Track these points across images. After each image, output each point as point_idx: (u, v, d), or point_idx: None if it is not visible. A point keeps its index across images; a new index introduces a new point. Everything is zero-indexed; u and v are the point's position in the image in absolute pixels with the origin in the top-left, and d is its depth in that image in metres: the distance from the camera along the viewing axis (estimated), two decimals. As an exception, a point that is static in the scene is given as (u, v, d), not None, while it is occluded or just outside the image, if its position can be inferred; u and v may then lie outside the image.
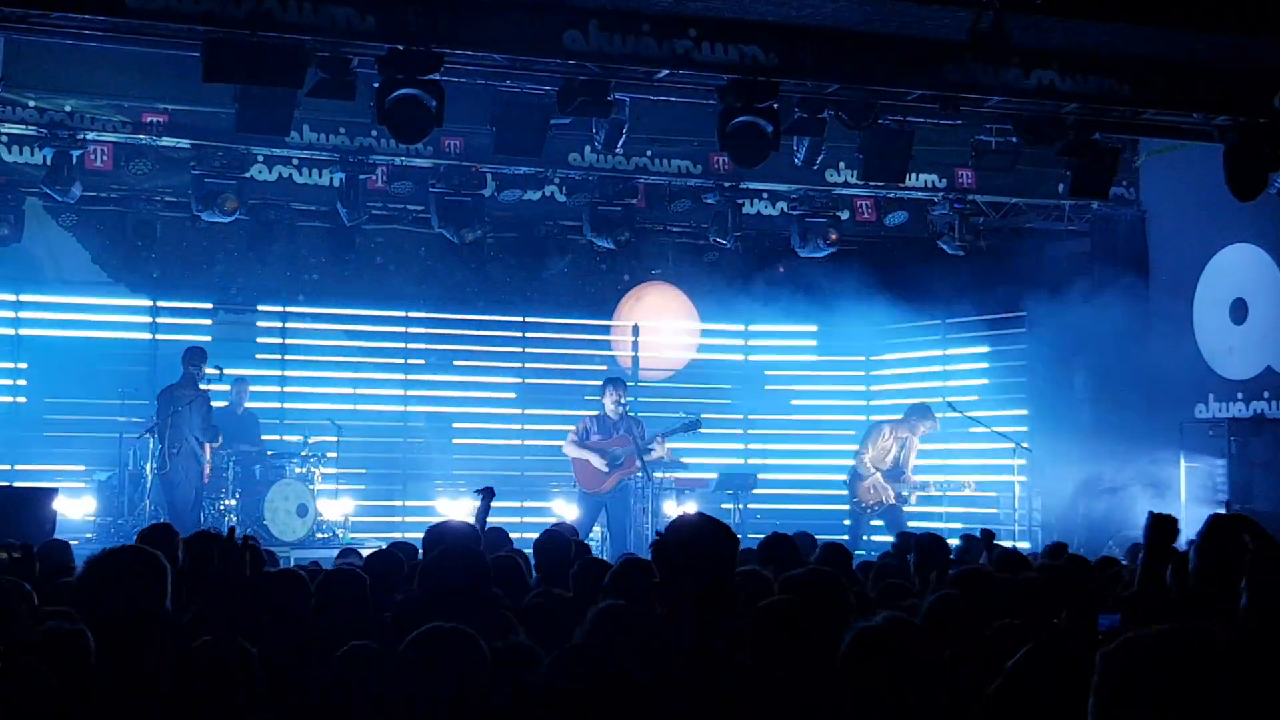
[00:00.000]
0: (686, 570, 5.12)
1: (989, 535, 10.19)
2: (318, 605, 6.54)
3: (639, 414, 17.49)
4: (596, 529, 16.84)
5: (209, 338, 18.99)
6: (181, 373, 17.27)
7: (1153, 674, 3.21)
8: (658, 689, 4.71)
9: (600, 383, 17.59)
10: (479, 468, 19.26)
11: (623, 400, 16.99)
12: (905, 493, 17.88)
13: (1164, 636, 3.30)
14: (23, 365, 18.85)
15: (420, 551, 7.90)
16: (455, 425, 20.60)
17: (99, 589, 5.05)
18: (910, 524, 17.20)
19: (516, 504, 19.17)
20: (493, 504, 10.42)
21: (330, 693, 5.11)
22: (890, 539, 16.87)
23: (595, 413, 17.24)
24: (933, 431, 18.29)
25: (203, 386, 17.24)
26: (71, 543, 10.41)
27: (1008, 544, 12.88)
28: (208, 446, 17.15)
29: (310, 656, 5.64)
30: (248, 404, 18.39)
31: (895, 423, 18.21)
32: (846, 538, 17.52)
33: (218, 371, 17.44)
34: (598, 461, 16.73)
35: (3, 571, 6.96)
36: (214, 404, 17.61)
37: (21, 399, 18.80)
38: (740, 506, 18.35)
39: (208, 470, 17.17)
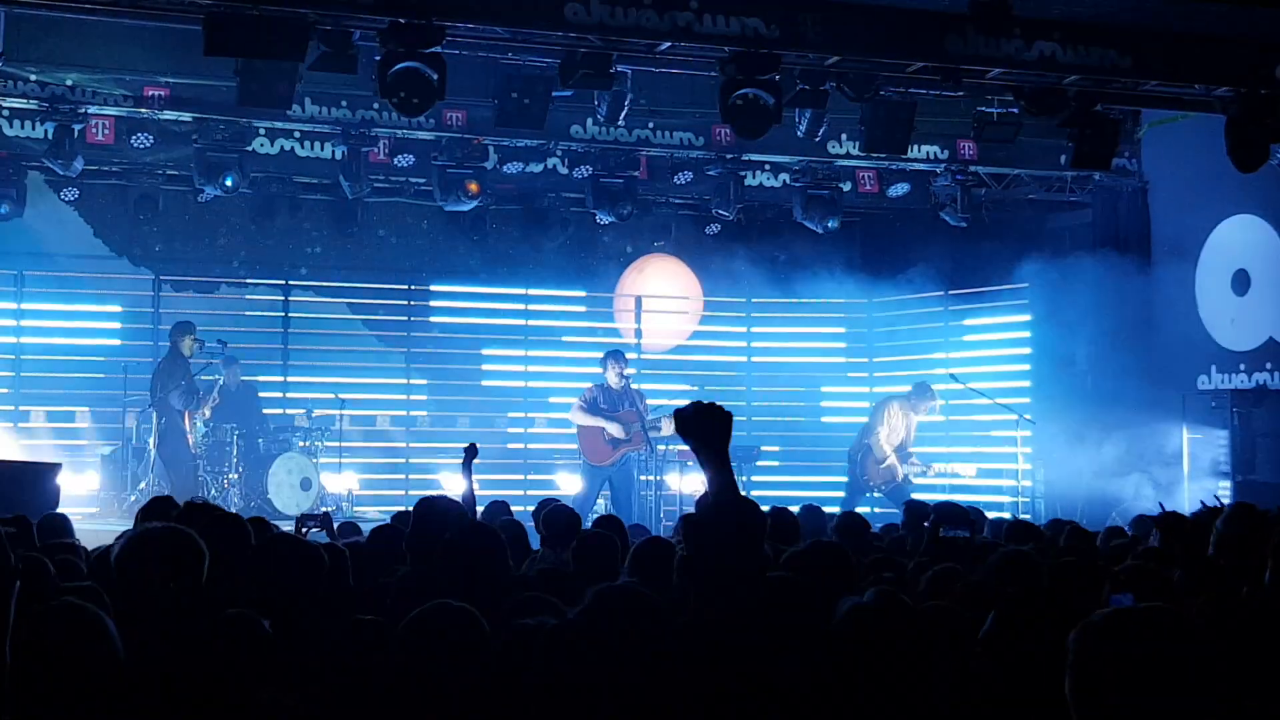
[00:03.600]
0: (717, 545, 5.11)
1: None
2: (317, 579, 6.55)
3: (640, 386, 17.54)
4: (600, 501, 16.84)
5: (212, 311, 19.02)
6: (169, 347, 17.36)
7: (1125, 653, 3.22)
8: (652, 668, 4.72)
9: (600, 355, 17.57)
10: (482, 440, 19.23)
11: (625, 372, 17.02)
12: (910, 474, 17.93)
13: (1132, 616, 3.32)
14: (25, 340, 18.86)
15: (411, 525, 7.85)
16: (458, 397, 20.63)
17: (139, 569, 5.04)
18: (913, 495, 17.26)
19: (519, 477, 19.22)
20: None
21: (335, 668, 5.12)
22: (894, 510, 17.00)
23: (597, 383, 17.23)
24: (932, 411, 18.31)
25: (195, 360, 17.27)
26: (74, 516, 10.43)
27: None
28: (188, 415, 17.14)
29: (312, 630, 5.67)
30: (243, 378, 18.35)
31: (903, 399, 18.21)
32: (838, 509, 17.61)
33: (221, 345, 17.50)
34: (614, 429, 16.68)
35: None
36: (210, 379, 17.65)
37: (24, 374, 18.81)
38: (743, 479, 18.36)
39: (192, 440, 17.17)
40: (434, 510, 7.39)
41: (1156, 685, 3.18)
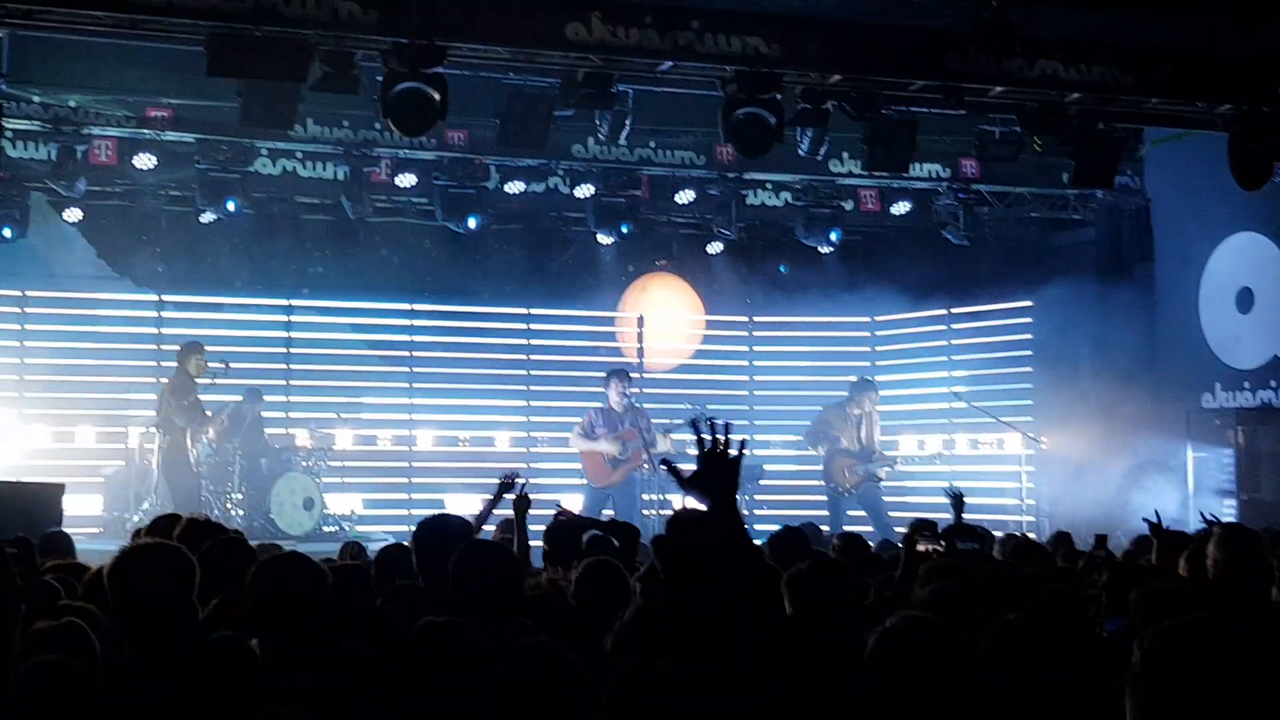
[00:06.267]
0: (680, 566, 5.09)
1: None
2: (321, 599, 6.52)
3: (642, 405, 17.59)
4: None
5: (214, 331, 18.98)
6: (176, 366, 17.31)
7: (1196, 662, 3.19)
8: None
9: (604, 374, 17.63)
10: (485, 460, 19.31)
11: (627, 392, 17.08)
12: (880, 471, 17.93)
13: (1204, 625, 3.28)
14: (29, 360, 18.85)
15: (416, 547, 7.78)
16: (460, 417, 20.60)
17: (129, 584, 5.03)
18: (912, 514, 17.27)
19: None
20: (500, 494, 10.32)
21: (335, 689, 5.11)
22: (872, 528, 17.01)
23: (600, 405, 17.32)
24: (877, 401, 18.38)
25: (201, 380, 17.23)
26: (77, 537, 10.41)
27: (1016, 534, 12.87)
28: (190, 434, 17.05)
29: (312, 651, 5.65)
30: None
31: (837, 404, 18.27)
32: (826, 529, 17.64)
33: (223, 366, 17.45)
34: (609, 448, 16.77)
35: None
36: (216, 399, 17.61)
37: (27, 394, 18.80)
38: (746, 498, 18.34)
39: (194, 458, 17.10)
40: (436, 529, 7.33)
41: (1227, 696, 3.14)
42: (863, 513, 17.90)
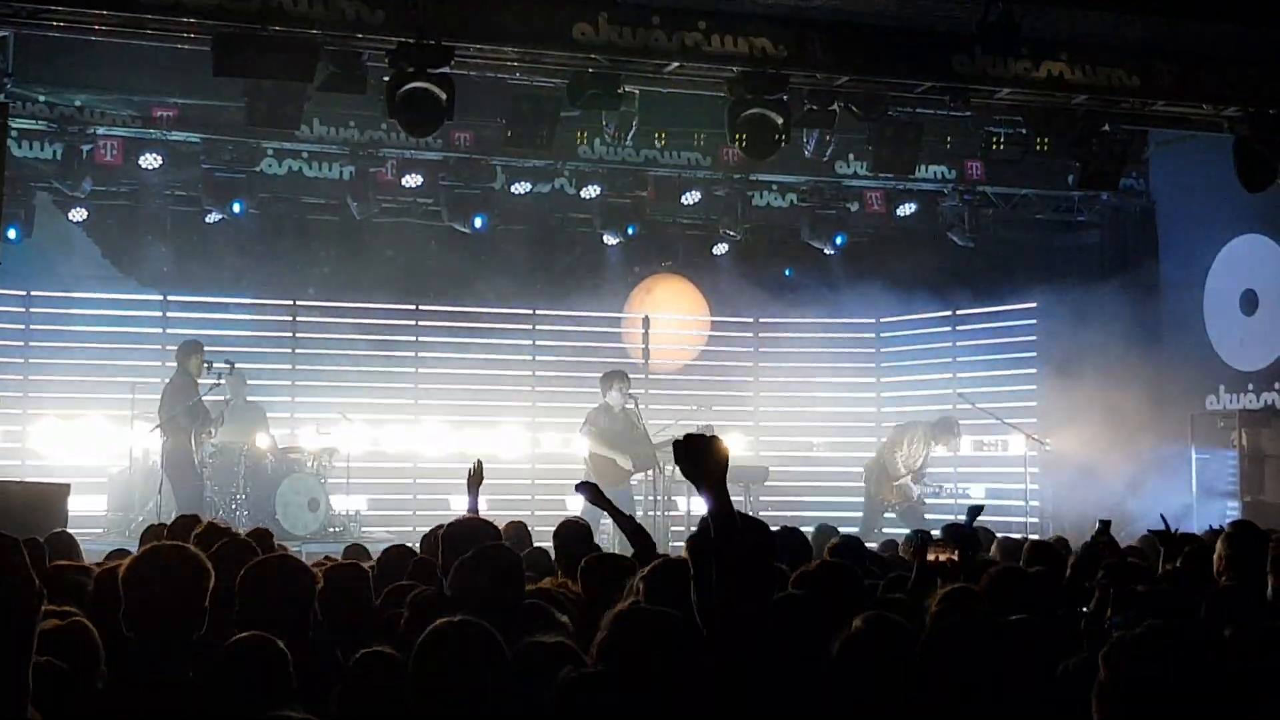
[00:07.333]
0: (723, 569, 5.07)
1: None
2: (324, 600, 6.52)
3: (642, 406, 17.60)
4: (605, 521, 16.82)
5: (219, 331, 18.96)
6: (177, 367, 17.26)
7: (1156, 670, 3.20)
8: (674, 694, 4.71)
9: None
10: (490, 460, 19.25)
11: (629, 393, 17.06)
12: (923, 494, 18.28)
13: (1164, 633, 3.29)
14: (33, 360, 18.84)
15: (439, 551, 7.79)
16: (466, 418, 20.56)
17: (143, 587, 5.02)
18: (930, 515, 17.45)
19: (528, 497, 19.17)
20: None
21: (346, 691, 5.10)
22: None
23: (598, 404, 17.26)
24: (952, 448, 18.70)
25: (202, 380, 17.16)
26: (80, 537, 10.40)
27: (1017, 535, 12.90)
28: (194, 436, 16.97)
29: (318, 652, 5.66)
30: (250, 398, 18.26)
31: (927, 427, 18.32)
32: (856, 530, 17.62)
33: (228, 366, 17.41)
34: (624, 461, 16.83)
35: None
36: (216, 398, 17.56)
37: (31, 394, 18.79)
38: (751, 500, 18.33)
39: (197, 460, 17.04)
40: (467, 533, 7.33)
41: (1188, 701, 3.15)
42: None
